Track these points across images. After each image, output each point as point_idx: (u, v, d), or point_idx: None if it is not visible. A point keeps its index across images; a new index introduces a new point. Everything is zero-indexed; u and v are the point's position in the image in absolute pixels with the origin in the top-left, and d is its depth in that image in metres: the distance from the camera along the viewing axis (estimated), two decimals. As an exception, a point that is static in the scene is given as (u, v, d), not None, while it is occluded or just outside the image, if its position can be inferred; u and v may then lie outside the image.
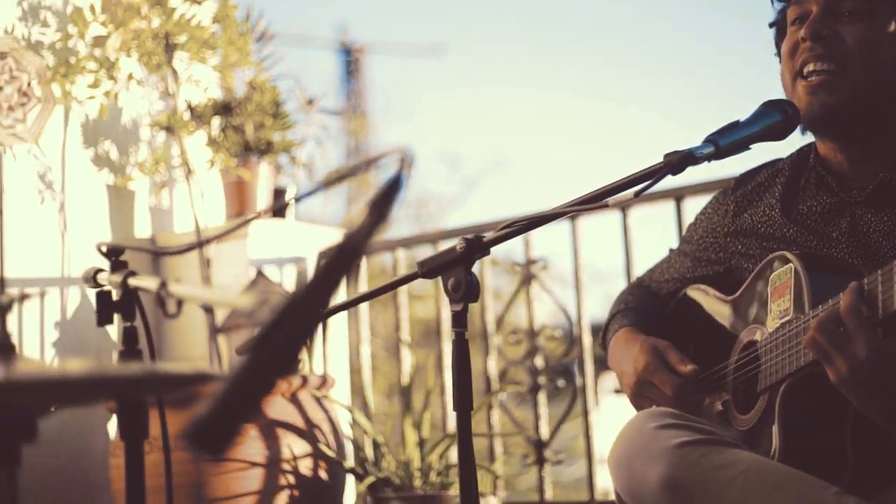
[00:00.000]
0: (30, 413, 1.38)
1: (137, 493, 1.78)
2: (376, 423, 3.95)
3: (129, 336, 1.77)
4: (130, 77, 4.18)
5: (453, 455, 3.83)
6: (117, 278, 1.74)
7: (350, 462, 3.81)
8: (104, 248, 1.79)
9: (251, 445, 3.50)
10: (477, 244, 1.99)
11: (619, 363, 2.36)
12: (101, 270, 1.83)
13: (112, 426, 3.99)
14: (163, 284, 1.46)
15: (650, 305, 2.53)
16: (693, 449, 1.93)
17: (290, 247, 4.48)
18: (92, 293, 4.09)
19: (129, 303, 1.76)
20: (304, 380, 3.66)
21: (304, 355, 4.09)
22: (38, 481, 3.79)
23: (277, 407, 3.61)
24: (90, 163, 4.29)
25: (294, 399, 3.66)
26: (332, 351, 4.47)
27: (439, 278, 1.96)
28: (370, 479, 3.67)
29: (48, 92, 4.06)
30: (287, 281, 4.35)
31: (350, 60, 21.52)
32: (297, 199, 1.50)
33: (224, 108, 4.30)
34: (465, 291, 1.98)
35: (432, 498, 3.54)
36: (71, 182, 4.19)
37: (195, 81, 4.34)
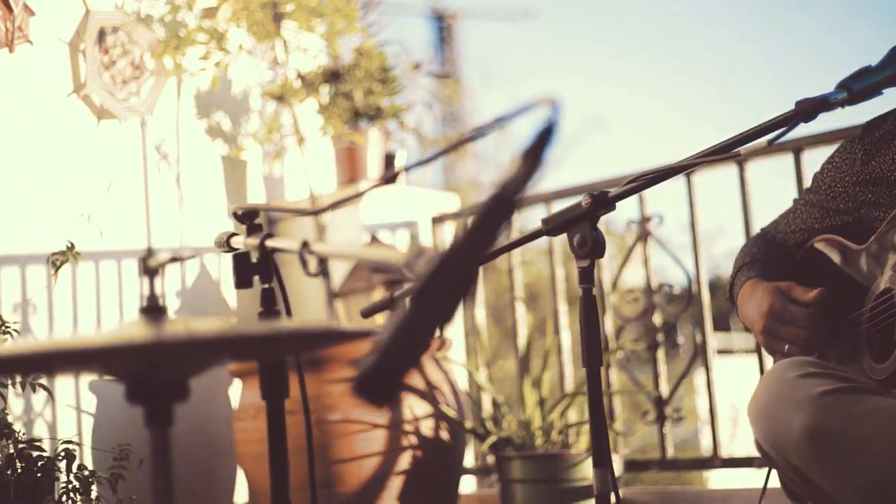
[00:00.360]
0: (182, 373, 1.41)
1: (280, 451, 1.81)
2: (494, 384, 3.96)
3: (267, 298, 1.79)
4: (240, 48, 4.22)
5: (573, 414, 3.83)
6: (254, 241, 1.76)
7: (470, 423, 3.83)
8: (239, 212, 1.81)
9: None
10: (602, 199, 1.97)
11: (746, 312, 2.33)
12: (234, 235, 1.85)
13: (234, 391, 4.06)
14: (305, 244, 1.47)
15: (776, 257, 2.49)
16: (836, 397, 1.90)
17: (402, 211, 4.50)
18: (208, 261, 4.16)
19: (266, 265, 1.79)
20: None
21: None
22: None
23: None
24: (203, 134, 4.35)
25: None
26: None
27: (550, 237, 1.95)
28: (491, 439, 3.69)
29: (160, 65, 4.13)
30: (400, 245, 4.38)
31: (442, 27, 21.50)
32: (429, 160, 1.50)
33: (333, 76, 4.32)
34: (592, 247, 1.97)
35: (554, 457, 3.54)
36: (185, 153, 4.26)
37: (303, 50, 4.37)
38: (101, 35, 3.96)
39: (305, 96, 4.23)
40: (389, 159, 4.53)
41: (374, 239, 4.12)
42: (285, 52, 4.21)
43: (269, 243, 1.72)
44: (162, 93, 4.13)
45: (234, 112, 4.50)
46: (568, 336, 4.19)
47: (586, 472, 3.49)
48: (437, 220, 4.58)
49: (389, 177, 1.63)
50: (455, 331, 4.49)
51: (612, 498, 2.03)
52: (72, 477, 3.04)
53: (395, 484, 3.52)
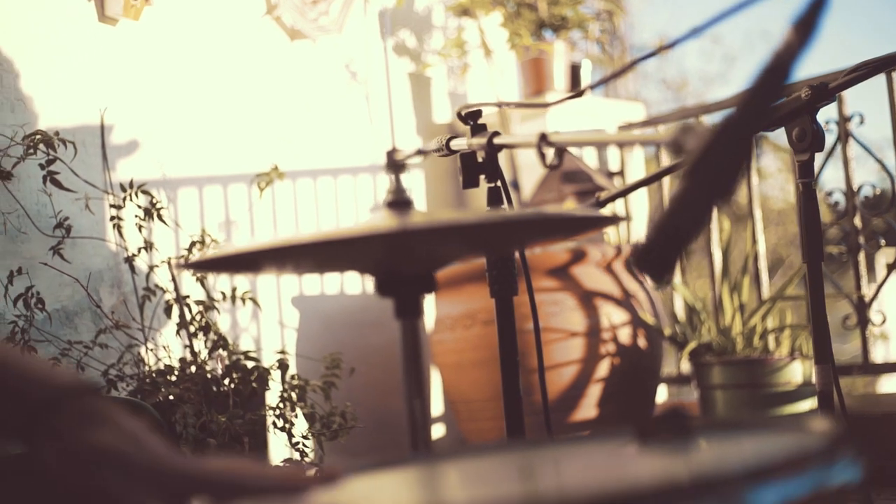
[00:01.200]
0: (429, 264, 1.44)
1: (510, 350, 1.83)
2: (692, 292, 3.93)
3: (493, 197, 1.81)
4: (424, -37, 4.23)
5: (773, 320, 3.77)
6: (481, 140, 1.78)
7: (668, 330, 3.81)
8: (464, 112, 1.83)
9: (571, 315, 3.55)
10: (822, 91, 1.92)
11: None
12: (453, 137, 1.87)
13: (429, 304, 4.13)
14: (542, 136, 1.48)
15: None
16: None
17: (588, 121, 4.46)
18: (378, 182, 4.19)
19: (492, 163, 1.80)
20: (618, 250, 3.67)
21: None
22: (364, 358, 3.98)
23: (594, 277, 3.64)
24: (390, 51, 4.39)
25: (609, 269, 3.68)
26: (638, 221, 4.46)
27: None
28: (691, 346, 3.67)
29: (347, -16, 4.17)
30: (587, 157, 4.35)
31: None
32: (622, 72, 1.47)
33: (516, -14, 4.30)
34: (812, 140, 1.92)
35: (757, 362, 3.50)
36: (373, 71, 4.30)
37: (486, -38, 4.35)
38: (290, -44, 4.01)
39: (491, 9, 4.22)
40: (575, 70, 4.50)
41: (562, 151, 4.10)
42: (469, -35, 4.21)
43: (499, 140, 1.73)
44: (350, 12, 4.18)
45: (419, 29, 4.52)
46: (763, 242, 4.11)
47: (790, 376, 3.44)
48: (623, 130, 4.53)
49: (582, 90, 1.61)
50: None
51: (835, 394, 2.00)
52: (286, 386, 3.14)
53: (594, 392, 3.53)
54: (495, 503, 0.75)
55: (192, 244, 3.19)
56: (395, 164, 1.42)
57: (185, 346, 3.15)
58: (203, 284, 3.30)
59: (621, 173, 4.41)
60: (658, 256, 1.01)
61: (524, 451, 1.16)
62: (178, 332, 3.15)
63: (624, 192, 2.04)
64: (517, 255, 1.93)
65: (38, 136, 2.99)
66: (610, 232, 3.97)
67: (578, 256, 3.60)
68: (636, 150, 4.45)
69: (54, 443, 0.98)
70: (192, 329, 3.14)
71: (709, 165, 1.02)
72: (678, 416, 1.09)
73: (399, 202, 1.40)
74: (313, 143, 4.04)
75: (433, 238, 1.28)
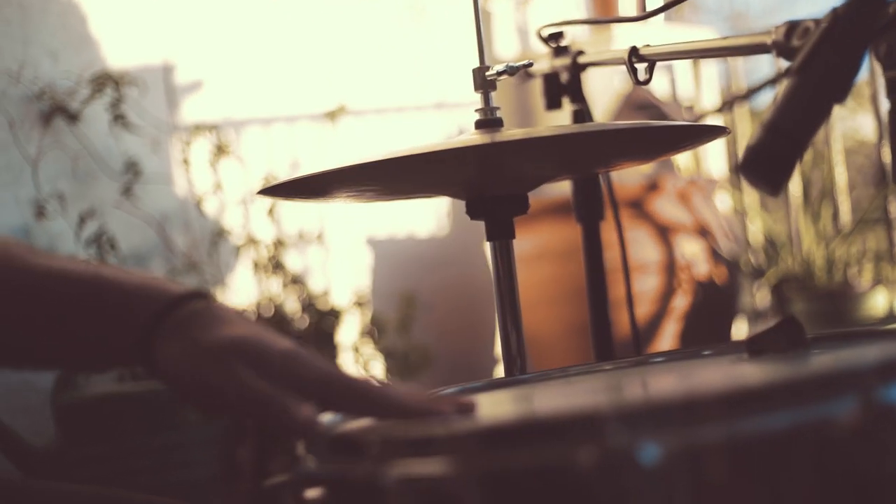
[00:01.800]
0: (520, 185, 1.39)
1: (597, 273, 1.78)
2: (768, 223, 3.85)
3: (579, 118, 1.75)
4: None
5: (854, 249, 3.68)
6: (565, 60, 1.72)
7: (748, 260, 3.74)
8: (545, 33, 1.76)
9: (646, 248, 3.49)
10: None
11: None
12: (530, 64, 1.80)
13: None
14: (633, 49, 1.41)
15: None
16: None
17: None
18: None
19: (576, 84, 1.74)
20: (693, 181, 3.59)
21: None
22: (436, 298, 3.95)
23: (669, 208, 3.57)
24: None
25: (685, 200, 3.61)
26: (711, 153, 4.37)
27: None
28: (771, 276, 3.59)
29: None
30: (658, 85, 4.26)
31: None
32: None
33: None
34: (905, 54, 1.84)
35: (840, 292, 3.43)
36: (438, 6, 4.23)
37: None
38: None
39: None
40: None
41: (653, 65, 4.01)
42: None
43: (584, 59, 1.67)
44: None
45: (481, -39, 4.43)
46: (844, 172, 4.01)
47: (873, 305, 3.36)
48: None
49: (658, 9, 1.54)
50: (721, 171, 4.37)
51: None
52: (363, 324, 3.13)
53: (670, 328, 3.48)
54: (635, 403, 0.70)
55: (263, 183, 3.17)
56: (485, 82, 1.37)
57: (259, 288, 3.14)
58: (274, 224, 3.27)
59: (691, 108, 4.31)
60: (772, 161, 0.94)
61: (637, 367, 1.11)
62: (254, 272, 3.13)
63: (743, 97, 1.97)
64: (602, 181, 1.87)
65: (105, 77, 2.96)
66: (682, 163, 3.89)
67: (652, 188, 3.53)
68: (711, 80, 4.36)
69: (180, 344, 0.93)
70: (264, 269, 3.12)
71: (821, 62, 0.96)
72: (793, 325, 1.03)
73: (489, 121, 1.35)
74: (379, 82, 3.99)
75: (529, 151, 1.23)
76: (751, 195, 4.24)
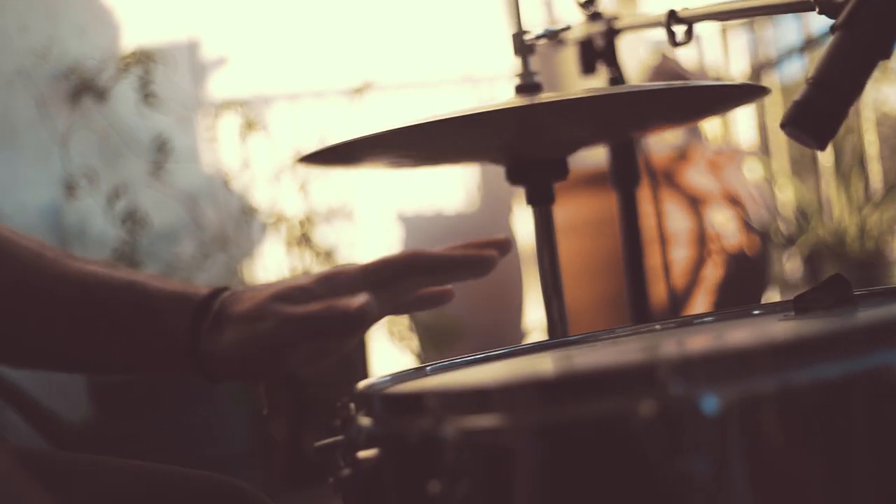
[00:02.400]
0: (562, 150, 1.38)
1: (634, 241, 1.77)
2: (799, 192, 3.82)
3: (614, 84, 1.74)
4: None
5: (887, 215, 3.65)
6: (599, 26, 1.71)
7: (778, 229, 3.72)
8: (584, 0, 1.75)
9: (676, 217, 3.47)
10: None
11: None
12: (569, 27, 1.78)
13: (516, 194, 4.07)
14: (672, 12, 1.40)
15: None
16: None
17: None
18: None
19: (611, 50, 1.73)
20: (722, 151, 3.57)
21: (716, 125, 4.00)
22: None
23: (699, 178, 3.55)
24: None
25: (715, 169, 3.59)
26: (739, 122, 4.34)
27: None
28: (802, 243, 3.57)
29: None
30: (685, 55, 4.23)
31: None
32: None
33: None
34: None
35: (870, 261, 3.41)
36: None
37: None
38: None
39: None
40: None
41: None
42: None
43: (620, 24, 1.66)
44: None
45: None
46: (875, 141, 3.97)
47: (907, 273, 3.35)
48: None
49: None
50: (750, 141, 4.35)
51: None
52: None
53: (701, 296, 3.46)
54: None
55: (293, 156, 3.17)
56: (523, 46, 1.36)
57: (288, 263, 3.15)
58: (304, 200, 3.28)
59: (719, 79, 4.28)
60: (819, 115, 0.94)
61: (685, 327, 1.11)
62: (285, 248, 3.14)
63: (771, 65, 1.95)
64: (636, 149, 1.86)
65: (131, 56, 2.97)
66: (711, 133, 3.87)
67: (682, 157, 3.51)
68: (739, 49, 4.32)
69: (225, 328, 0.95)
70: (294, 244, 3.12)
71: (867, 17, 0.95)
72: (841, 283, 1.03)
73: (528, 86, 1.35)
74: (405, 56, 3.97)
75: (569, 113, 1.22)
76: (781, 163, 4.22)
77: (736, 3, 1.30)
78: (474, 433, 0.73)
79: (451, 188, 4.04)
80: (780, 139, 4.29)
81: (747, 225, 3.53)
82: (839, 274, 1.03)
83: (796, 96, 0.95)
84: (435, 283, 1.02)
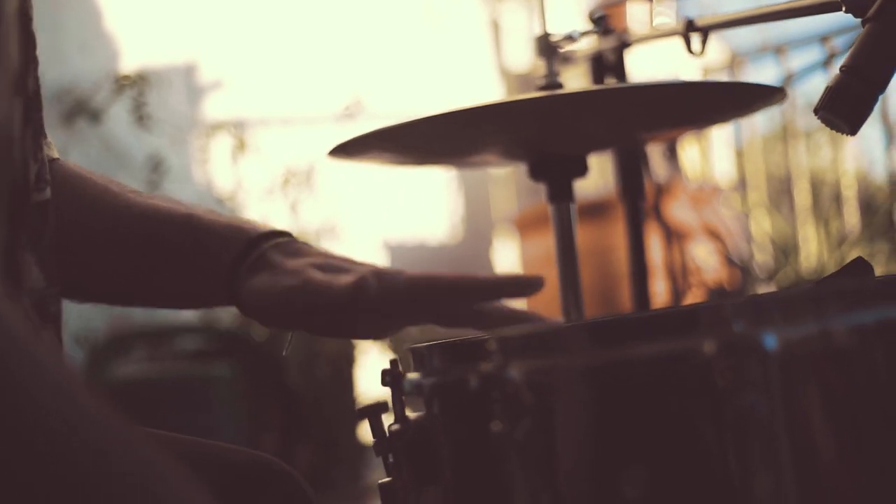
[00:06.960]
0: (583, 148, 1.43)
1: (639, 263, 1.80)
2: (776, 225, 3.89)
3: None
4: None
5: (864, 255, 3.71)
6: (611, 42, 1.76)
7: (756, 263, 3.78)
8: (595, 15, 1.80)
9: (654, 250, 3.52)
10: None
11: None
12: (583, 33, 1.81)
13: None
14: (689, 21, 1.45)
15: None
16: None
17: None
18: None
19: (620, 64, 1.78)
20: (702, 187, 3.64)
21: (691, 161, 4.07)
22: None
23: (680, 212, 3.61)
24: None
25: (696, 204, 3.65)
26: (717, 159, 4.41)
27: None
28: (780, 281, 3.64)
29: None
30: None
31: None
32: None
33: None
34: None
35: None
36: (451, 8, 4.28)
37: None
38: None
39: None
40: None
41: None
42: None
43: (634, 36, 1.70)
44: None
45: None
46: (854, 184, 4.05)
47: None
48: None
49: None
50: (726, 177, 4.42)
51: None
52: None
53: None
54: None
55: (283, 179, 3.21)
56: (548, 48, 1.40)
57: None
58: (294, 219, 3.31)
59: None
60: (851, 101, 0.99)
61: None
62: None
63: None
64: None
65: (127, 78, 3.00)
66: (691, 170, 3.93)
67: (664, 191, 3.57)
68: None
69: (261, 274, 0.98)
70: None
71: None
72: (863, 266, 1.07)
73: (550, 86, 1.39)
74: (396, 83, 4.03)
75: (591, 105, 1.26)
76: (759, 195, 4.29)
77: (757, 10, 1.34)
78: (538, 372, 0.76)
79: (436, 219, 4.08)
80: (758, 172, 4.37)
81: (728, 259, 3.59)
82: (861, 257, 1.07)
83: (829, 83, 1.00)
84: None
